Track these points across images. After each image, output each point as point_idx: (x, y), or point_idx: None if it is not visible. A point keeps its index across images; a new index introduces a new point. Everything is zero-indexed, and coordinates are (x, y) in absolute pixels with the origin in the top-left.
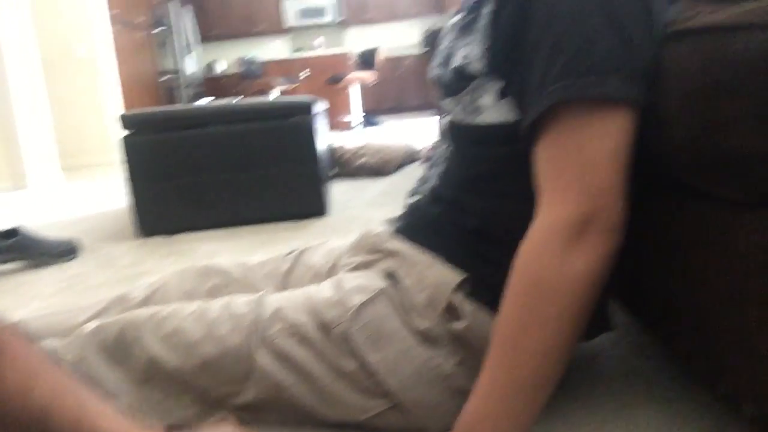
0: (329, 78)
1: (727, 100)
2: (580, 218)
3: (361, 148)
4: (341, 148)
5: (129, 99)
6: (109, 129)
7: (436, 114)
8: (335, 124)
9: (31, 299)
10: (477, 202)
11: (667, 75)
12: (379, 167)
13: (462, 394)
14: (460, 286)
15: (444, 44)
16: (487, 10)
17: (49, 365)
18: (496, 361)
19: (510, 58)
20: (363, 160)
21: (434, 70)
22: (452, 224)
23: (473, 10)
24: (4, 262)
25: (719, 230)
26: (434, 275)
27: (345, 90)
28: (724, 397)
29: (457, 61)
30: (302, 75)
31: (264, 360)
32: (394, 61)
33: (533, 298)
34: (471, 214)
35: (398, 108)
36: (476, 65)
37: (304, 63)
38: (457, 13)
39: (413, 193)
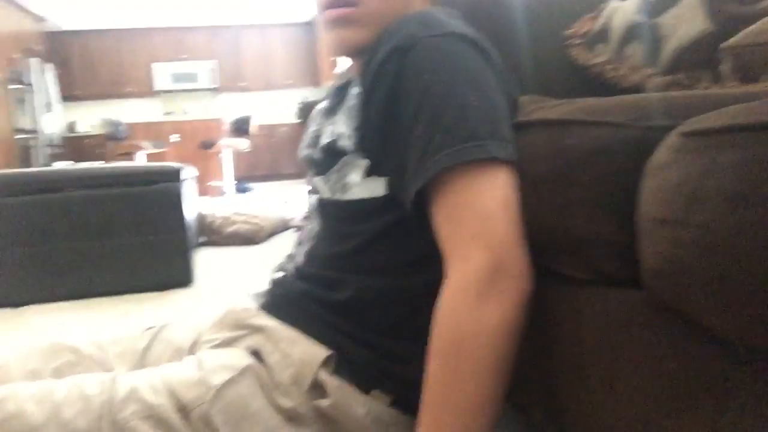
0: (201, 143)
1: (567, 187)
2: (488, 269)
3: (233, 215)
4: (212, 215)
5: None
6: None
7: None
8: (206, 190)
9: None
10: (343, 277)
11: (518, 161)
12: (250, 235)
13: None
14: (325, 363)
15: (312, 127)
16: (354, 92)
17: None
18: (424, 426)
19: (379, 136)
20: (234, 227)
21: (303, 150)
22: (317, 301)
23: (339, 93)
24: None
25: (566, 307)
26: (299, 352)
27: (217, 156)
28: None
29: (325, 139)
30: (172, 139)
31: None
32: (269, 129)
33: (452, 356)
34: (336, 290)
35: (272, 175)
36: (344, 142)
37: (175, 127)
38: (325, 99)
39: (279, 269)
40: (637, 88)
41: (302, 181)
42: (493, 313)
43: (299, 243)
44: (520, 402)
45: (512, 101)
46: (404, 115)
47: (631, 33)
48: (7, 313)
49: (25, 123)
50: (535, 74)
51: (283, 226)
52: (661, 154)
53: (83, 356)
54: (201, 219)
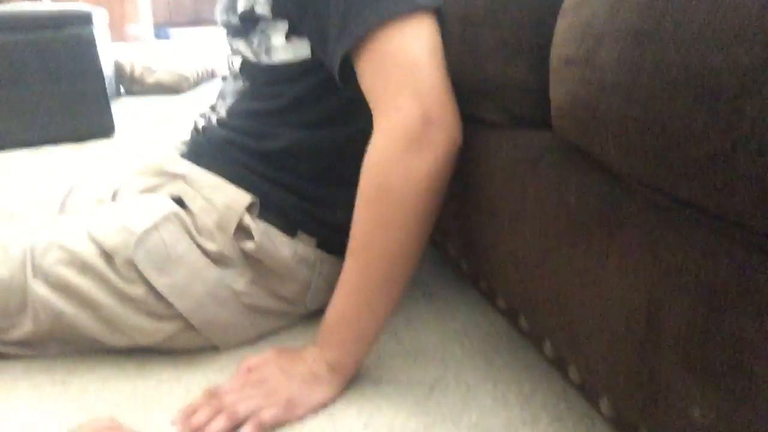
0: None
1: (483, 29)
2: (417, 118)
3: (154, 63)
4: (131, 63)
5: None
6: None
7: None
8: (123, 36)
9: None
10: (270, 130)
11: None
12: (174, 85)
13: (255, 311)
14: (249, 208)
15: None
16: None
17: None
18: (350, 265)
19: (298, 2)
20: (155, 75)
21: (220, 14)
22: (242, 149)
23: None
24: None
25: (480, 149)
26: (223, 197)
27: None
28: (485, 293)
29: (241, 6)
30: None
31: (40, 291)
32: None
33: (380, 202)
34: (263, 141)
35: (195, 21)
36: (261, 9)
37: None
38: None
39: (202, 117)
40: None
41: None
42: (422, 162)
43: (223, 96)
44: (436, 239)
45: None
46: None
47: None
48: None
49: None
50: None
51: (207, 75)
52: None
53: None
54: (120, 67)
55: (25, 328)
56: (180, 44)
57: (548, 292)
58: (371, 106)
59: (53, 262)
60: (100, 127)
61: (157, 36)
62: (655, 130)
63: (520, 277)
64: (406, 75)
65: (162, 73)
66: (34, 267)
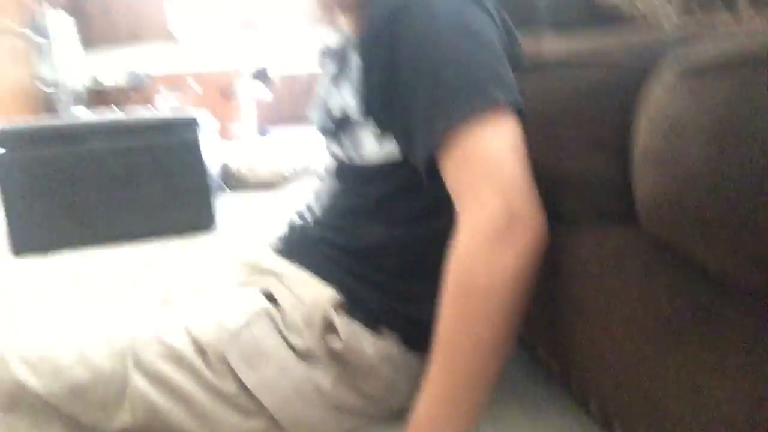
0: (222, 91)
1: (564, 126)
2: (501, 213)
3: (254, 161)
4: (234, 162)
5: (2, 109)
6: None
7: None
8: (227, 137)
9: None
10: (360, 228)
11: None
12: (273, 181)
13: (340, 409)
14: (336, 304)
15: (320, 93)
16: (355, 63)
17: None
18: (435, 363)
19: (384, 104)
20: (256, 173)
21: (314, 117)
22: (332, 246)
23: (342, 59)
24: None
25: (563, 246)
26: (311, 293)
27: (238, 103)
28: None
29: (333, 109)
30: (193, 87)
31: (139, 384)
32: (290, 76)
33: (465, 298)
34: (353, 238)
35: (293, 119)
36: (352, 113)
37: (196, 75)
38: (331, 60)
39: (296, 215)
40: (652, 24)
41: None
42: (507, 257)
43: (316, 198)
44: (526, 339)
45: (513, 44)
46: (405, 80)
47: None
48: (37, 259)
49: (47, 73)
50: (546, 7)
51: (304, 172)
52: (655, 91)
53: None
54: (225, 166)
55: (124, 419)
56: (279, 142)
57: (642, 400)
58: (455, 201)
59: (153, 356)
60: (203, 221)
61: (259, 134)
62: (742, 226)
63: (611, 382)
64: (489, 171)
65: (262, 171)
66: (134, 360)
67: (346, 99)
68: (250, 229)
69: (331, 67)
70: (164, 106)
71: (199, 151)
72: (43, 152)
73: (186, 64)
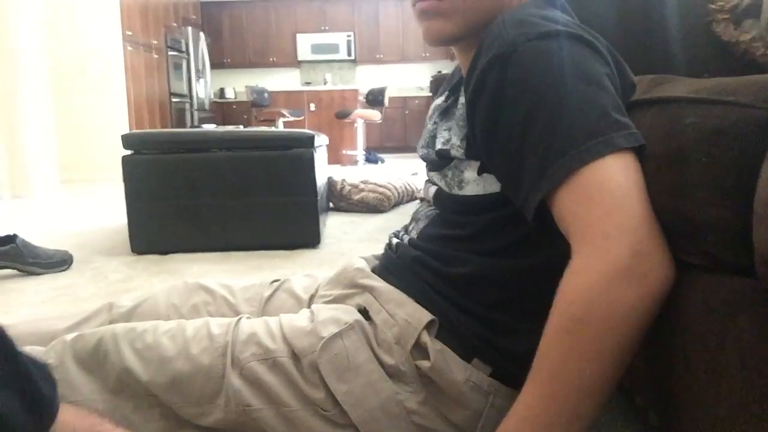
0: (336, 113)
1: (685, 167)
2: (627, 249)
3: (361, 183)
4: (341, 181)
5: (139, 119)
6: (114, 147)
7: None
8: (338, 158)
9: (20, 306)
10: (457, 256)
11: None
12: (376, 204)
13: (423, 431)
14: (429, 326)
15: (428, 126)
16: (462, 101)
17: None
18: (530, 395)
19: (487, 146)
20: (361, 195)
21: (420, 148)
22: (429, 269)
23: (452, 94)
24: None
25: (673, 291)
26: (405, 313)
27: (351, 126)
28: None
29: (439, 144)
30: (310, 107)
31: (235, 382)
32: (402, 101)
33: (577, 333)
34: (450, 265)
35: (402, 147)
36: (456, 151)
37: (313, 96)
38: (442, 92)
39: (395, 235)
40: None
41: None
42: (630, 296)
43: (416, 219)
44: (623, 384)
45: (624, 77)
46: (513, 124)
47: None
48: (156, 258)
49: (180, 88)
50: (677, 52)
51: (408, 197)
52: None
53: (216, 297)
54: (331, 185)
55: (216, 415)
56: (386, 168)
57: None
58: (570, 232)
59: (249, 356)
60: (309, 237)
61: (368, 160)
62: None
63: None
64: (613, 203)
65: (367, 193)
66: (232, 358)
67: (451, 135)
68: (353, 250)
69: (442, 99)
70: (282, 123)
71: (312, 168)
72: (166, 158)
73: (305, 85)
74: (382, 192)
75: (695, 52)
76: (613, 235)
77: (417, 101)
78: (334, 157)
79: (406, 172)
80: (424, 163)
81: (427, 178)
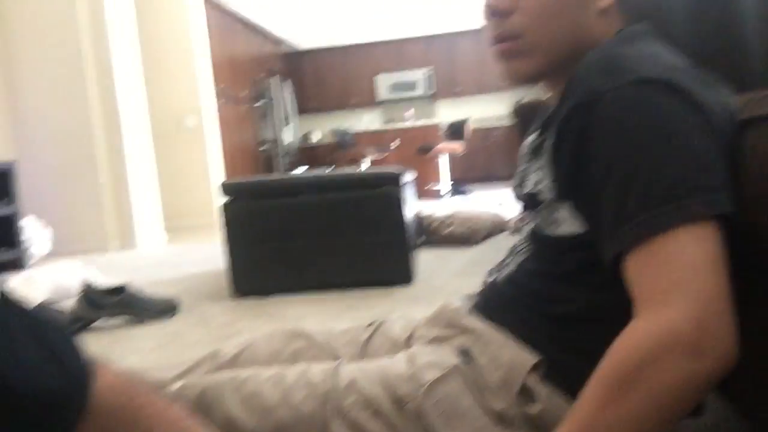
0: (419, 148)
1: None
2: (690, 323)
3: (449, 216)
4: (429, 216)
5: (231, 167)
6: (212, 194)
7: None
8: (424, 193)
9: (132, 353)
10: (557, 292)
11: (748, 161)
12: (466, 236)
13: None
14: (535, 368)
15: (521, 165)
16: (549, 142)
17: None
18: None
19: (573, 191)
20: (451, 228)
21: (514, 188)
22: (529, 307)
23: (542, 132)
24: (111, 316)
25: None
26: (509, 355)
27: (434, 160)
28: None
29: (529, 186)
30: (393, 145)
31: (338, 430)
32: (483, 132)
33: (621, 392)
34: (549, 301)
35: (487, 177)
36: (545, 194)
37: (395, 134)
38: (534, 129)
39: (492, 273)
40: None
41: None
42: (684, 370)
43: (511, 255)
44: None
45: (728, 119)
46: (594, 174)
47: None
48: (257, 300)
49: (267, 135)
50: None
51: (497, 229)
52: None
53: (315, 343)
54: (420, 220)
55: None
56: (473, 199)
57: None
58: (634, 296)
59: (351, 404)
60: (402, 274)
61: (454, 192)
62: None
63: None
64: (681, 275)
65: (456, 227)
66: (334, 406)
67: (541, 176)
68: (446, 285)
69: (534, 135)
70: (368, 162)
71: (401, 206)
72: (262, 203)
73: (386, 123)
74: (470, 225)
75: None
76: (673, 304)
77: (498, 131)
78: (420, 192)
79: (492, 202)
80: (517, 201)
81: (521, 215)
